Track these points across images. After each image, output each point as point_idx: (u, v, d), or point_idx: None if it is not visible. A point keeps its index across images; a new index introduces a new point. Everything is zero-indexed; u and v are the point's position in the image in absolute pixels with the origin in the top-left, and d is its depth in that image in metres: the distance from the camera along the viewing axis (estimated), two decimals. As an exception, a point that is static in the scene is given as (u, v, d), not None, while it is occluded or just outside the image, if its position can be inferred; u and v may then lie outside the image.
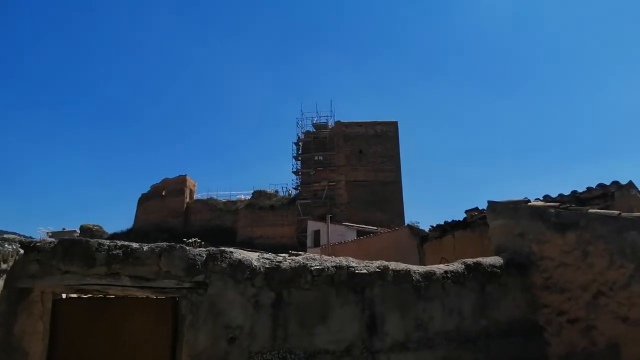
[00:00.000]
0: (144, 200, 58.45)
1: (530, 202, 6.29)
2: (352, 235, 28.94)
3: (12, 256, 3.38)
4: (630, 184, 7.85)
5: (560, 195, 8.15)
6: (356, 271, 4.40)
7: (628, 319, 5.06)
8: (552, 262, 5.55)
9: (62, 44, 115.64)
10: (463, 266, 5.15)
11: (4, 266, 3.28)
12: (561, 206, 5.92)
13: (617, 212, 5.58)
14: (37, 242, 3.71)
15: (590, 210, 5.68)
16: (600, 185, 7.96)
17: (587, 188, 8.15)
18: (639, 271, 5.09)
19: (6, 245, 3.32)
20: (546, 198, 7.73)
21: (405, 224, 24.46)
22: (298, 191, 51.72)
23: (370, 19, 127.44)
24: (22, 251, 3.49)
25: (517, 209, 6.01)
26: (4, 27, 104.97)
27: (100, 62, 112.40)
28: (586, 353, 5.20)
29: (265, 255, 4.28)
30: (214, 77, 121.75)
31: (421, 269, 4.91)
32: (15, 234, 3.75)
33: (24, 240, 3.61)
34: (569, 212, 5.71)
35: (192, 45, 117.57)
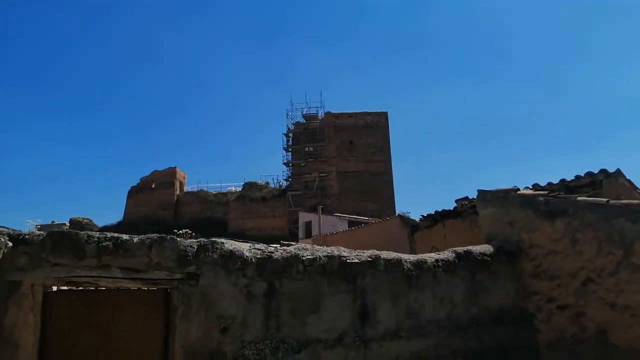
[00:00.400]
0: (133, 192, 58.11)
1: (519, 190, 6.34)
2: (343, 226, 29.02)
3: (0, 249, 3.34)
4: (618, 172, 7.93)
5: (549, 183, 8.21)
6: (348, 260, 4.42)
7: (616, 305, 5.13)
8: (542, 249, 5.60)
9: (44, 33, 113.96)
10: (454, 255, 5.19)
11: (-8, 259, 3.25)
12: (550, 194, 5.97)
13: (605, 199, 5.64)
14: (25, 234, 3.67)
15: (579, 198, 5.73)
16: (589, 174, 8.04)
17: (575, 176, 8.22)
18: (626, 258, 5.16)
19: (-6, 238, 3.28)
20: (535, 186, 7.78)
21: (396, 214, 24.52)
22: (289, 182, 51.72)
23: (358, 9, 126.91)
24: (10, 244, 3.46)
25: (506, 197, 6.05)
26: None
27: (87, 52, 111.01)
28: (575, 339, 5.27)
29: (257, 246, 4.28)
30: (204, 68, 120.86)
31: (412, 257, 4.94)
32: (3, 227, 3.71)
33: (12, 233, 3.57)
34: (558, 200, 5.76)
35: (181, 36, 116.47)
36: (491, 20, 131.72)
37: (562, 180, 8.27)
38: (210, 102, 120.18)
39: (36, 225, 47.97)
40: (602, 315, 5.19)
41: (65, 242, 3.54)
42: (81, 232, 3.65)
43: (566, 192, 7.10)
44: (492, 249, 5.52)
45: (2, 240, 3.39)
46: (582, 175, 8.13)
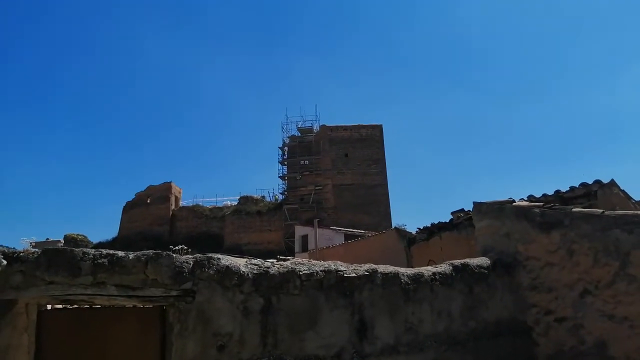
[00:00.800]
0: (128, 208, 57.86)
1: (515, 202, 6.35)
2: (339, 239, 28.96)
3: (-6, 268, 3.30)
4: (612, 182, 7.98)
5: (544, 195, 8.25)
6: (345, 275, 4.39)
7: (614, 317, 5.12)
8: (538, 261, 5.60)
9: (32, 46, 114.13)
10: (451, 267, 5.17)
11: (-14, 278, 3.21)
12: (545, 206, 5.99)
13: (600, 210, 5.66)
14: (20, 252, 3.63)
15: (574, 210, 5.75)
16: (583, 185, 8.08)
17: (570, 187, 8.27)
18: (623, 269, 5.17)
19: (-12, 257, 3.25)
20: (530, 198, 7.82)
21: (392, 227, 24.54)
22: (285, 196, 51.68)
23: (350, 22, 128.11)
24: (4, 262, 3.42)
25: (502, 209, 6.06)
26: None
27: (82, 65, 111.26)
28: (574, 352, 5.25)
29: (253, 261, 4.25)
30: (198, 81, 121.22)
31: (409, 271, 4.92)
32: (-3, 245, 3.68)
33: (6, 251, 3.53)
34: (553, 211, 5.77)
35: (176, 50, 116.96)
36: (484, 28, 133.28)
37: (557, 192, 8.31)
38: (205, 115, 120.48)
39: (31, 243, 47.62)
40: (600, 327, 5.18)
41: (60, 259, 3.51)
42: (76, 250, 3.62)
43: (561, 203, 7.13)
44: (489, 262, 5.51)
45: (-4, 258, 3.35)
46: (577, 186, 8.17)
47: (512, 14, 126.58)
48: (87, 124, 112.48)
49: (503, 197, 6.44)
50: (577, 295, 5.35)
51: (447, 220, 9.93)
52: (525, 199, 7.61)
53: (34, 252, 3.59)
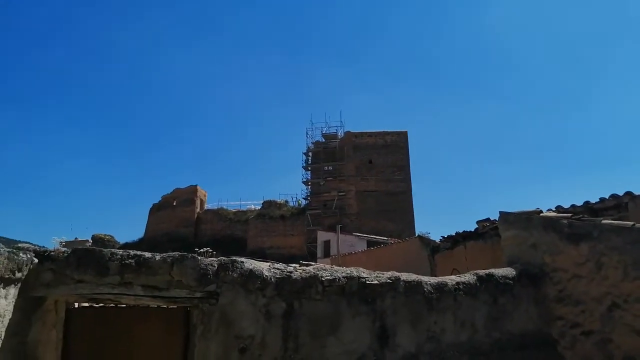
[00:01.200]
0: (155, 210, 58.83)
1: (542, 212, 6.24)
2: (362, 246, 28.82)
3: (26, 265, 3.41)
4: (644, 194, 7.76)
5: (573, 205, 8.08)
6: (367, 282, 4.38)
7: (644, 332, 4.98)
8: (566, 273, 5.48)
9: (66, 41, 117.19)
10: (475, 277, 5.11)
11: (18, 275, 3.31)
12: (574, 217, 5.86)
13: (631, 222, 5.51)
14: (51, 251, 3.74)
15: (604, 222, 5.62)
16: (613, 196, 7.89)
17: (600, 199, 8.08)
18: (654, 283, 5.01)
19: (21, 255, 3.35)
20: (558, 209, 7.66)
21: (416, 235, 24.34)
22: (308, 201, 51.79)
23: (377, 30, 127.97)
24: (36, 260, 3.52)
25: (529, 219, 5.95)
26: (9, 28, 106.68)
27: (114, 67, 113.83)
28: (601, 366, 5.11)
29: (276, 265, 4.28)
30: (225, 88, 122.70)
31: (433, 280, 4.87)
32: (29, 243, 3.78)
33: (38, 249, 3.64)
34: (582, 222, 5.65)
35: (204, 56, 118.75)
36: (513, 35, 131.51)
37: (586, 203, 8.12)
38: (231, 120, 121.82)
39: (61, 242, 48.78)
40: (629, 342, 5.03)
41: (89, 259, 3.60)
42: (105, 250, 3.70)
43: (590, 214, 6.97)
44: (514, 272, 5.42)
45: (28, 256, 3.45)
46: (607, 197, 7.98)
47: (543, 20, 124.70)
48: (116, 126, 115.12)
49: (530, 208, 6.33)
50: (605, 309, 5.21)
51: (472, 230, 9.79)
52: (553, 209, 7.46)
53: (64, 252, 3.69)
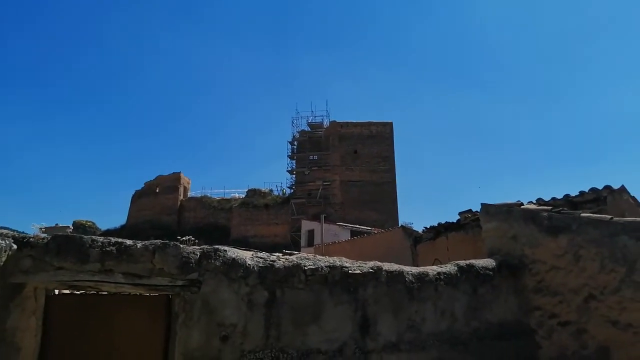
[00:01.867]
0: (137, 197, 58.23)
1: (523, 205, 6.33)
2: (345, 235, 28.98)
3: (5, 251, 3.36)
4: (622, 188, 7.90)
5: (553, 198, 8.19)
6: (350, 271, 4.41)
7: (618, 323, 5.10)
8: (544, 265, 5.59)
9: (45, 29, 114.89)
10: (456, 268, 5.18)
11: (-4, 261, 3.26)
12: (554, 210, 5.96)
13: (609, 216, 5.62)
14: (30, 237, 3.69)
15: (583, 214, 5.72)
16: (593, 190, 8.01)
17: (579, 192, 8.19)
18: (629, 275, 5.13)
19: (-1, 241, 3.30)
20: (539, 201, 7.76)
21: (399, 225, 24.50)
22: (292, 190, 51.73)
23: (364, 20, 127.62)
24: (15, 246, 3.47)
25: (510, 211, 6.04)
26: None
27: (96, 52, 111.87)
28: (577, 356, 5.24)
29: (259, 254, 4.28)
30: (210, 74, 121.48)
31: (414, 270, 4.93)
32: (7, 229, 3.72)
33: (17, 235, 3.59)
34: (562, 215, 5.74)
35: (189, 42, 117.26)
36: (498, 28, 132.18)
37: (566, 196, 8.24)
38: (215, 108, 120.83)
39: (40, 228, 48.08)
40: (604, 332, 5.16)
41: (69, 246, 3.56)
42: (85, 237, 3.66)
43: (570, 207, 7.08)
44: (494, 263, 5.50)
45: (7, 242, 3.40)
46: (586, 191, 8.10)
47: (526, 13, 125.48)
48: (99, 111, 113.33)
49: (512, 200, 6.42)
50: (582, 300, 5.33)
51: (454, 221, 9.90)
52: (534, 202, 7.57)
53: (43, 238, 3.65)
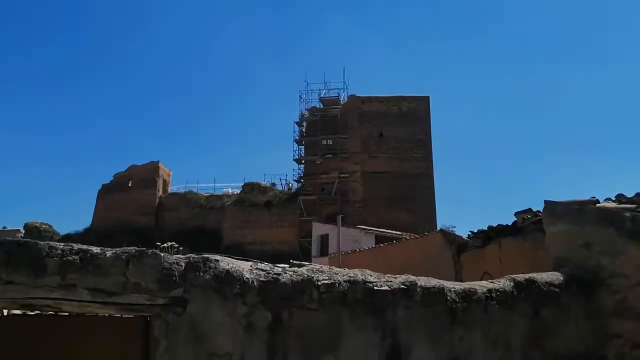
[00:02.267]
0: (104, 193, 58.88)
1: (599, 203, 6.27)
2: (369, 242, 29.04)
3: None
4: None
5: (638, 194, 8.10)
6: (375, 288, 4.41)
7: None
8: (627, 280, 5.53)
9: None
10: (512, 284, 5.15)
11: None
12: (639, 209, 5.89)
13: None
14: (-28, 244, 3.73)
15: (678, 215, 5.66)
16: (690, 183, 7.91)
17: (673, 186, 8.10)
18: None
19: None
20: (619, 198, 7.68)
21: (438, 229, 24.48)
22: (301, 184, 51.94)
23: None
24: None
25: (582, 211, 5.98)
26: None
27: (52, 16, 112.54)
28: (667, 397, 5.19)
29: (260, 266, 4.29)
30: (201, 41, 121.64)
31: (458, 286, 4.92)
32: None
33: (-45, 241, 3.63)
34: (650, 216, 5.68)
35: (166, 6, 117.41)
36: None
37: (656, 191, 8.14)
38: (205, 82, 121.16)
39: (-17, 232, 48.81)
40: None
41: (20, 254, 3.58)
42: (41, 243, 3.69)
43: (660, 206, 7.00)
44: (562, 278, 5.47)
45: (-56, 250, 3.44)
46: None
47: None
48: (58, 91, 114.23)
49: (583, 197, 6.36)
50: (675, 325, 5.28)
51: (509, 223, 9.86)
52: (613, 199, 7.49)
53: (-12, 244, 3.68)
